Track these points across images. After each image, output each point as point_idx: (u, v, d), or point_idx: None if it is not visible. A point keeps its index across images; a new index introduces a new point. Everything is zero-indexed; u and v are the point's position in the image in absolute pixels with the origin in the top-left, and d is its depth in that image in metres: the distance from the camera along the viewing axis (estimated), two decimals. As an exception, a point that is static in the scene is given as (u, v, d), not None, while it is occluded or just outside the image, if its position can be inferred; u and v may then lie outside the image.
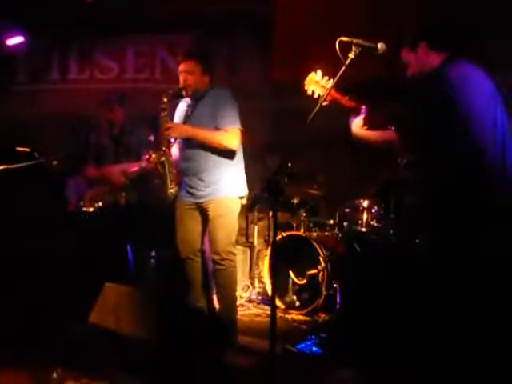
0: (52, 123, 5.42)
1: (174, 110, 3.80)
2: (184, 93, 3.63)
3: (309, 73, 2.89)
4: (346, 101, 2.84)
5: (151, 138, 3.65)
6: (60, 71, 5.99)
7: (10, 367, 3.09)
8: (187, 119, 3.69)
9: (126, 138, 4.29)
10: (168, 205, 3.71)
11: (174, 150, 3.71)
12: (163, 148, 3.60)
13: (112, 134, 4.33)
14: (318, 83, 2.84)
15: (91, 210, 4.13)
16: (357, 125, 2.82)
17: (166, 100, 3.59)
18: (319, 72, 2.86)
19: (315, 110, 2.52)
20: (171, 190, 3.60)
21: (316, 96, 2.83)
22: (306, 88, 2.87)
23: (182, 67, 3.60)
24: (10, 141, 4.37)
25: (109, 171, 4.23)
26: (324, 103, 2.68)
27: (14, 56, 5.63)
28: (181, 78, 3.61)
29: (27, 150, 3.93)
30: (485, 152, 2.44)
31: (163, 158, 3.60)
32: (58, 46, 5.98)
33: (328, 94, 2.68)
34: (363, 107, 2.82)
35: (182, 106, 3.78)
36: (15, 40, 5.29)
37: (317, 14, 5.08)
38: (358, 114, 2.83)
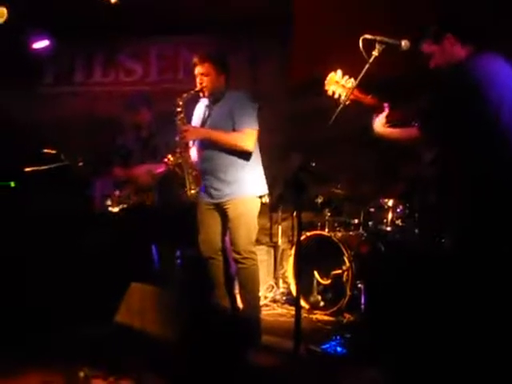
0: (78, 125, 5.49)
1: (193, 111, 3.83)
2: (201, 95, 3.66)
3: (329, 71, 2.87)
4: (368, 99, 2.82)
5: (177, 138, 3.67)
6: (85, 74, 6.06)
7: (39, 367, 3.13)
8: (205, 121, 3.71)
9: (153, 140, 4.33)
10: (192, 205, 3.74)
11: (193, 152, 3.74)
12: (180, 150, 3.64)
13: (140, 136, 4.36)
14: (338, 83, 2.81)
15: (116, 210, 4.17)
16: (379, 123, 2.79)
17: (181, 103, 3.62)
18: (339, 72, 2.83)
19: (338, 111, 2.51)
20: (192, 191, 3.63)
21: (336, 96, 2.80)
22: (326, 88, 2.84)
23: (197, 70, 3.61)
24: (36, 142, 4.44)
25: (135, 172, 4.26)
26: (346, 103, 2.66)
27: (40, 58, 5.71)
28: (197, 81, 3.62)
29: (54, 151, 3.99)
30: None
31: (180, 160, 3.65)
32: (83, 48, 6.05)
33: (351, 94, 2.66)
34: (385, 104, 2.79)
35: (201, 108, 3.80)
36: (41, 44, 5.37)
37: (336, 12, 5.03)
38: (380, 111, 2.80)
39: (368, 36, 2.56)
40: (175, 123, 3.64)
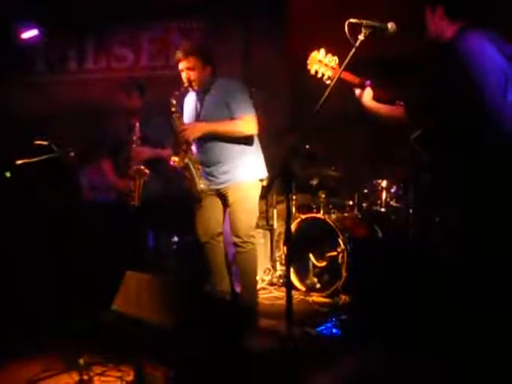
0: (70, 113, 5.46)
1: (181, 107, 3.78)
2: (190, 89, 3.65)
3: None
4: (351, 77, 2.79)
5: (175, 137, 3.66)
6: (77, 61, 6.03)
7: (39, 354, 3.17)
8: (198, 113, 3.68)
9: (144, 129, 4.31)
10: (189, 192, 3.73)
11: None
12: (183, 149, 3.60)
13: (131, 124, 4.35)
14: (321, 62, 2.76)
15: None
16: (368, 96, 2.75)
17: (174, 102, 3.59)
18: (322, 50, 2.78)
19: (326, 94, 2.49)
20: (202, 186, 3.60)
21: (320, 75, 2.77)
22: (308, 68, 2.80)
23: (182, 65, 3.58)
24: (28, 131, 4.44)
25: (112, 180, 4.26)
26: (328, 81, 2.64)
27: (31, 47, 5.67)
28: (183, 76, 3.59)
29: (45, 143, 3.98)
30: (497, 126, 2.40)
31: (186, 160, 3.60)
32: (74, 35, 6.01)
33: (337, 75, 2.63)
34: (367, 82, 2.77)
35: (191, 100, 3.76)
36: (30, 33, 5.35)
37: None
38: (362, 89, 2.78)
39: (354, 20, 2.54)
40: (171, 122, 3.61)
